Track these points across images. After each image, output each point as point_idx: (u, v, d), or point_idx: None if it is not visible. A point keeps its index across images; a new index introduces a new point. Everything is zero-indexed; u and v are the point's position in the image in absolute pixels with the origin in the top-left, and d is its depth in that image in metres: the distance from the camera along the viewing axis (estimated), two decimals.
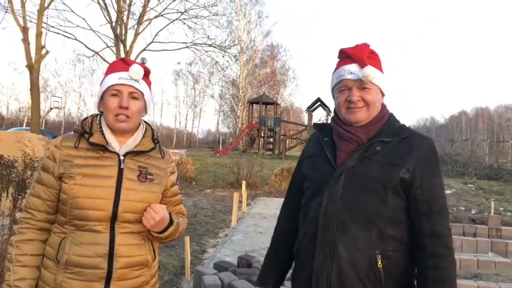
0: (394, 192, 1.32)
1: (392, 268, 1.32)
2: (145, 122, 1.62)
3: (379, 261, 1.31)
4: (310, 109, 29.54)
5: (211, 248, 5.70)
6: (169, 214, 1.54)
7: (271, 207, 9.13)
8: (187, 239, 4.18)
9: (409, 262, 1.35)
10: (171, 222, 1.53)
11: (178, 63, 63.40)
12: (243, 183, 9.29)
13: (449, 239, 1.32)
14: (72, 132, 1.53)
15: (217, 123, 54.57)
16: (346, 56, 1.44)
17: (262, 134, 29.35)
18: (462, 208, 9.39)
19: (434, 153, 1.39)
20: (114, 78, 1.50)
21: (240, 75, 37.58)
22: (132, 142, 1.53)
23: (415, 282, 1.37)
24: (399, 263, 1.33)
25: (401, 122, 1.48)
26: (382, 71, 1.46)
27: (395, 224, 1.34)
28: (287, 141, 29.92)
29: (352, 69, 1.40)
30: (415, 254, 1.34)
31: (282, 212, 1.65)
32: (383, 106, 1.47)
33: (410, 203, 1.34)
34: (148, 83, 1.58)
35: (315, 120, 30.17)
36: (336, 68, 1.47)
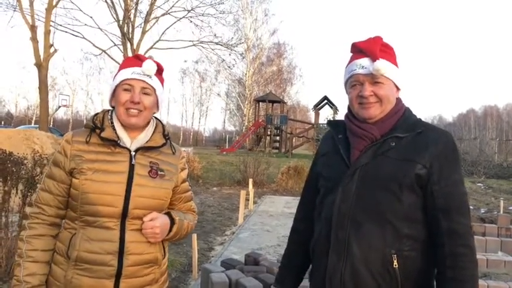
0: (409, 190, 1.27)
1: (409, 268, 1.27)
2: (155, 118, 1.61)
3: (395, 261, 1.26)
4: (317, 107, 29.48)
5: (218, 246, 5.70)
6: (169, 213, 1.53)
7: (278, 205, 9.12)
8: (194, 236, 4.19)
9: (426, 262, 1.30)
10: (173, 221, 1.52)
11: (185, 61, 63.49)
12: (250, 181, 9.28)
13: (469, 237, 1.26)
14: (83, 128, 1.52)
15: (224, 122, 54.75)
16: (357, 50, 1.39)
17: (269, 132, 29.32)
18: (471, 207, 9.31)
19: (452, 148, 1.32)
20: (127, 73, 1.49)
21: (246, 73, 37.57)
22: (143, 138, 1.53)
23: (434, 282, 1.31)
24: (416, 262, 1.28)
25: (418, 117, 1.42)
26: (396, 65, 1.41)
27: (411, 222, 1.28)
28: (294, 140, 29.88)
29: (363, 64, 1.35)
30: (434, 253, 1.28)
31: (297, 212, 1.62)
32: (398, 100, 1.41)
33: (427, 200, 1.28)
34: (161, 80, 1.57)
35: (321, 118, 30.11)
36: (348, 63, 1.42)
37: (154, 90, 1.52)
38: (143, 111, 1.48)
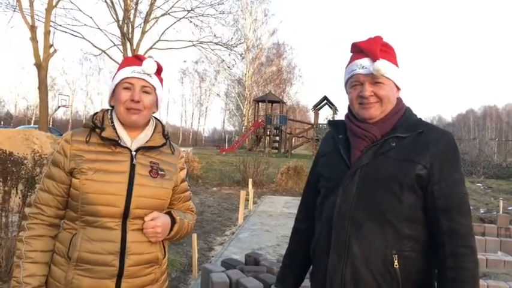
0: (410, 190, 1.27)
1: (410, 269, 1.27)
2: (155, 117, 1.61)
3: (396, 261, 1.26)
4: (317, 107, 29.51)
5: (218, 246, 5.71)
6: (169, 212, 1.53)
7: (278, 205, 9.12)
8: (194, 236, 4.19)
9: (427, 262, 1.30)
10: (173, 220, 1.52)
11: (185, 61, 63.51)
12: (250, 181, 9.28)
13: (470, 237, 1.26)
14: (82, 128, 1.52)
15: (223, 122, 54.87)
16: (358, 50, 1.39)
17: (268, 133, 29.34)
18: (471, 207, 9.30)
19: (453, 148, 1.32)
20: (127, 72, 1.49)
21: (246, 74, 37.60)
22: (143, 137, 1.52)
23: (435, 283, 1.31)
24: (417, 263, 1.28)
25: (418, 117, 1.42)
26: (397, 65, 1.40)
27: (412, 222, 1.28)
28: (293, 140, 29.89)
29: (363, 64, 1.35)
30: (434, 254, 1.28)
31: (299, 212, 1.62)
32: (398, 100, 1.41)
33: (427, 200, 1.28)
34: (161, 80, 1.57)
35: (321, 118, 30.13)
36: (349, 63, 1.42)
37: (155, 89, 1.52)
38: (143, 111, 1.48)
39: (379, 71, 1.32)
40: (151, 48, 19.63)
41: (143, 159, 1.48)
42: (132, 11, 18.88)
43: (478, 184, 14.31)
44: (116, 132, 1.48)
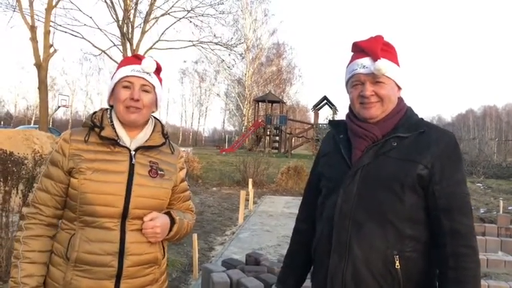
0: (411, 190, 1.27)
1: (411, 269, 1.26)
2: (154, 117, 1.61)
3: (397, 262, 1.25)
4: (317, 107, 29.54)
5: (218, 246, 5.70)
6: (169, 212, 1.52)
7: (278, 205, 9.12)
8: (194, 236, 4.19)
9: (428, 262, 1.29)
10: (173, 221, 1.51)
11: (185, 61, 63.55)
12: (250, 181, 9.27)
13: (472, 237, 1.25)
14: (81, 127, 1.51)
15: (223, 122, 54.93)
16: (359, 50, 1.38)
17: (268, 133, 29.36)
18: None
19: (454, 148, 1.31)
20: (127, 71, 1.48)
21: (246, 74, 37.61)
22: (142, 137, 1.51)
23: (436, 283, 1.31)
24: (418, 263, 1.28)
25: (420, 116, 1.41)
26: (398, 64, 1.40)
27: (413, 223, 1.28)
28: (293, 140, 29.91)
29: (364, 63, 1.34)
30: (436, 254, 1.28)
31: (300, 213, 1.62)
32: (399, 100, 1.40)
33: (429, 200, 1.27)
34: (160, 79, 1.56)
35: (321, 118, 30.15)
36: (349, 62, 1.41)
37: (154, 87, 1.51)
38: (142, 109, 1.47)
39: (380, 70, 1.32)
40: (151, 48, 19.64)
41: (142, 159, 1.47)
42: (132, 11, 18.90)
43: (478, 184, 14.32)
44: (115, 131, 1.47)
